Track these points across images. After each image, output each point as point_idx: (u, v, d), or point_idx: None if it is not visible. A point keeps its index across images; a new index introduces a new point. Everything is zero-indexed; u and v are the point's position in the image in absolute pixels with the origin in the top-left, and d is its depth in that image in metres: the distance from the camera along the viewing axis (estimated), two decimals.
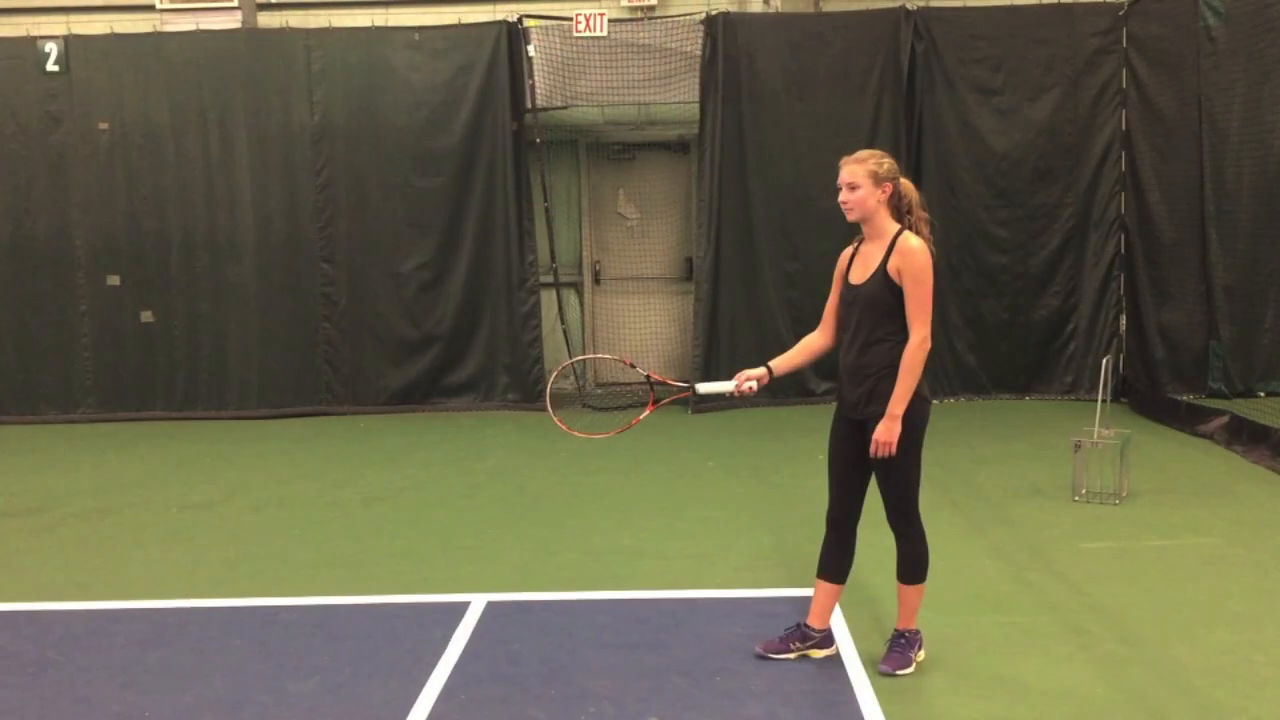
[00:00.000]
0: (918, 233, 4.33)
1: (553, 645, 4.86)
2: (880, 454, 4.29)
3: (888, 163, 4.34)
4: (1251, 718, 4.08)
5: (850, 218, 4.41)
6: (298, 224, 10.59)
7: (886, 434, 4.26)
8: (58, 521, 7.17)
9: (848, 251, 4.54)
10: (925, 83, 10.35)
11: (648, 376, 4.82)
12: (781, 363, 4.67)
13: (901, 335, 4.29)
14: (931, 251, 4.32)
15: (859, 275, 4.41)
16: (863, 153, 4.41)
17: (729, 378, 11.50)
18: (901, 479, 4.39)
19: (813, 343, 4.69)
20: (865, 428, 4.37)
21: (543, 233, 10.82)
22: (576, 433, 4.91)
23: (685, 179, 11.66)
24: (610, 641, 4.90)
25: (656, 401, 4.81)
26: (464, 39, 10.47)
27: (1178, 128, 9.82)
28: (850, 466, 4.47)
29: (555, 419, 4.83)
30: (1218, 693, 4.28)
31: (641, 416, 4.87)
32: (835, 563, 4.59)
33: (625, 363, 4.95)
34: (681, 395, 4.84)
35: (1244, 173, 9.41)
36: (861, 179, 4.31)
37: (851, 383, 4.43)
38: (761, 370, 4.59)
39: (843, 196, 4.37)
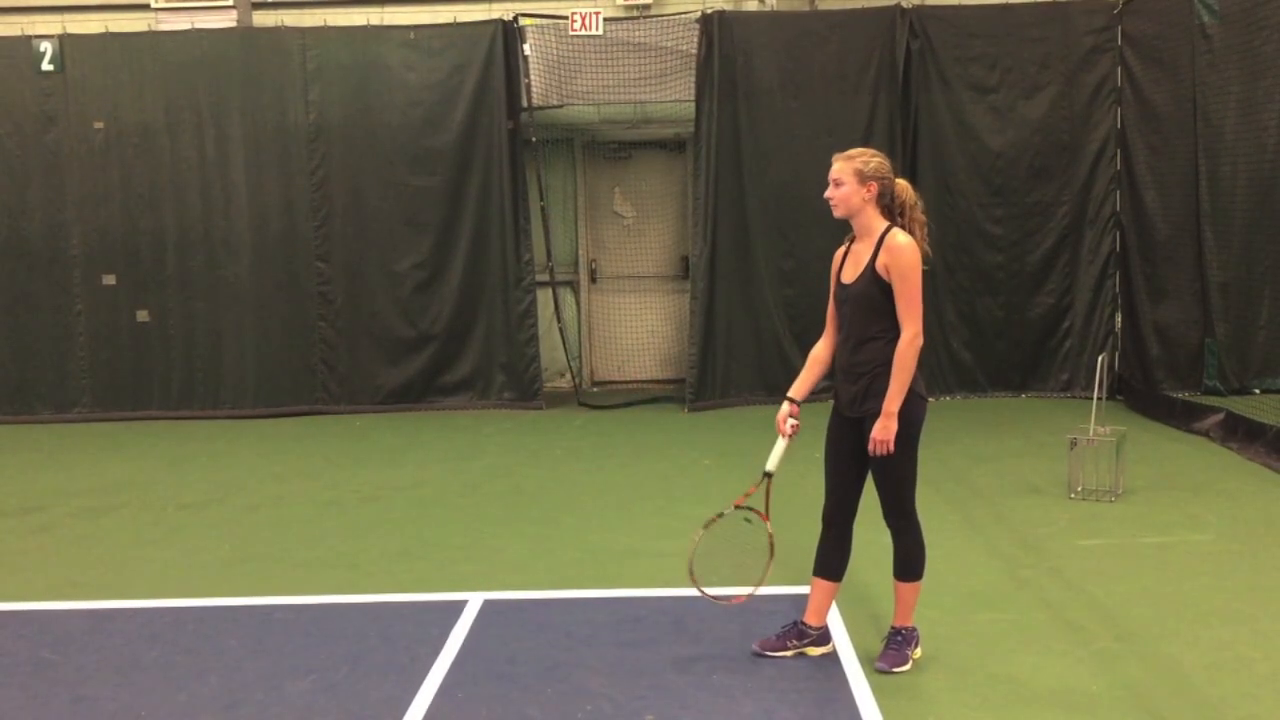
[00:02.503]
0: (910, 233, 4.33)
1: (550, 643, 4.87)
2: (879, 453, 4.30)
3: (875, 161, 4.34)
4: (1248, 713, 4.09)
5: (835, 214, 4.42)
6: (293, 223, 10.58)
7: (883, 433, 4.27)
8: (54, 521, 7.16)
9: (840, 251, 4.55)
10: (920, 81, 10.35)
11: (746, 508, 4.57)
12: (800, 388, 4.62)
13: (894, 332, 4.30)
14: (926, 252, 4.33)
15: (850, 274, 4.42)
16: (854, 150, 4.42)
17: (724, 374, 11.45)
18: (898, 477, 4.39)
19: (821, 353, 4.65)
20: (861, 425, 4.37)
21: (539, 231, 10.81)
22: (716, 599, 4.62)
23: (681, 177, 11.67)
24: (607, 639, 4.91)
25: (765, 512, 4.59)
26: (459, 38, 10.46)
27: (1173, 126, 9.83)
28: (846, 464, 4.48)
29: (705, 593, 4.54)
30: (1214, 689, 4.29)
31: (769, 531, 4.61)
32: (832, 560, 4.60)
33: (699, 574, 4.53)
34: (765, 484, 4.55)
35: (1239, 170, 9.44)
36: (846, 176, 4.33)
37: (846, 380, 4.44)
38: (788, 406, 4.56)
39: (828, 192, 4.39)
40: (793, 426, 4.55)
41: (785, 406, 4.57)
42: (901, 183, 4.41)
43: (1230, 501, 6.94)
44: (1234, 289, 9.69)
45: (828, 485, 4.58)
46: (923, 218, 4.42)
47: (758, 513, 4.60)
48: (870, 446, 4.31)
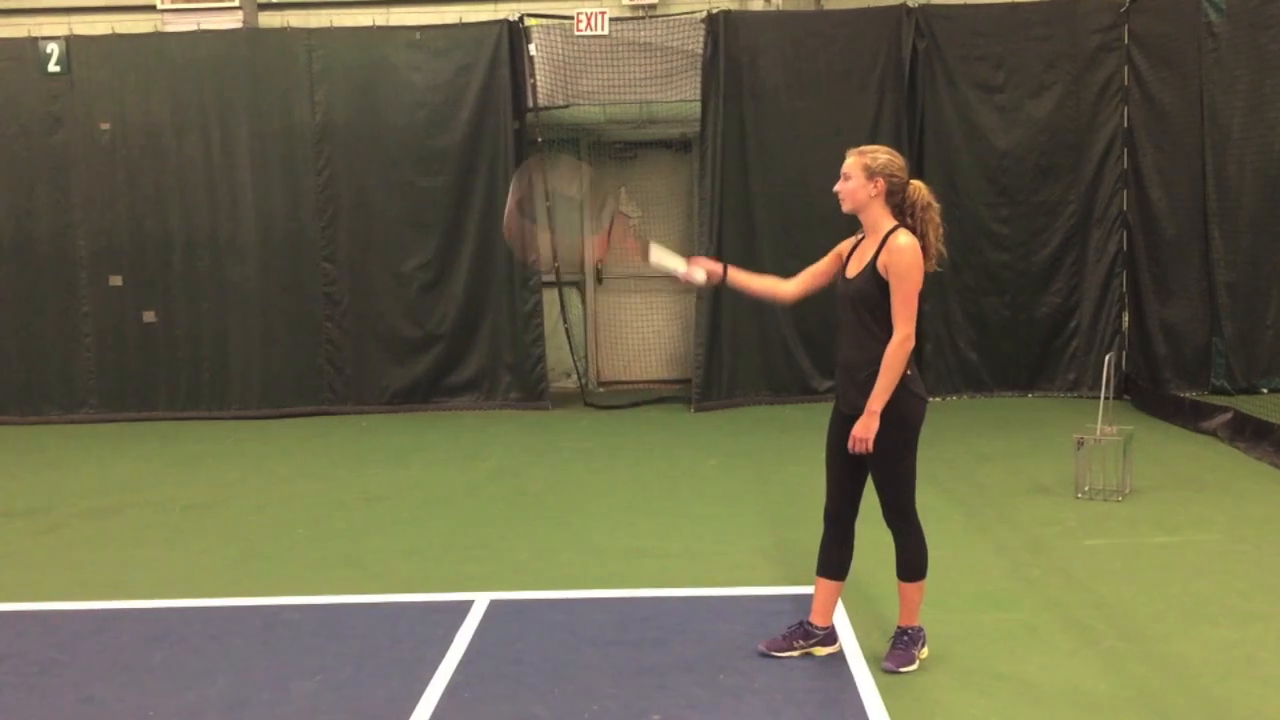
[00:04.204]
0: (921, 236, 4.31)
1: (556, 644, 4.87)
2: (857, 450, 4.29)
3: (885, 157, 4.33)
4: (1256, 713, 4.08)
5: (843, 208, 4.42)
6: (299, 224, 10.60)
7: (863, 430, 4.26)
8: (61, 521, 7.17)
9: (851, 241, 4.54)
10: (927, 80, 10.34)
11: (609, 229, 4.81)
12: (739, 275, 4.76)
13: (891, 332, 4.28)
14: (940, 253, 4.32)
15: (854, 269, 4.42)
16: (867, 146, 4.43)
17: (730, 374, 11.42)
18: (895, 477, 4.38)
19: (779, 285, 4.78)
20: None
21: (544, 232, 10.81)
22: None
23: (687, 177, 11.67)
24: (613, 640, 4.90)
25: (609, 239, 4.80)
26: (465, 38, 10.47)
27: (1180, 124, 9.81)
28: (846, 462, 4.46)
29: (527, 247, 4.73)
30: (1221, 689, 4.28)
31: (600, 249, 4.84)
32: (834, 560, 4.59)
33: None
34: (633, 247, 4.71)
35: (1246, 169, 9.43)
36: (855, 171, 4.34)
37: (845, 378, 4.44)
38: (718, 266, 4.70)
39: (837, 185, 4.40)
40: (695, 276, 4.62)
41: (716, 265, 4.69)
42: (916, 183, 4.39)
43: (1238, 501, 6.93)
44: (1241, 288, 9.68)
45: (828, 483, 4.57)
46: (937, 220, 4.39)
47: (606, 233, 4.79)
48: (849, 443, 4.30)
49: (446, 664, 4.66)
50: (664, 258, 4.64)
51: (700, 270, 4.63)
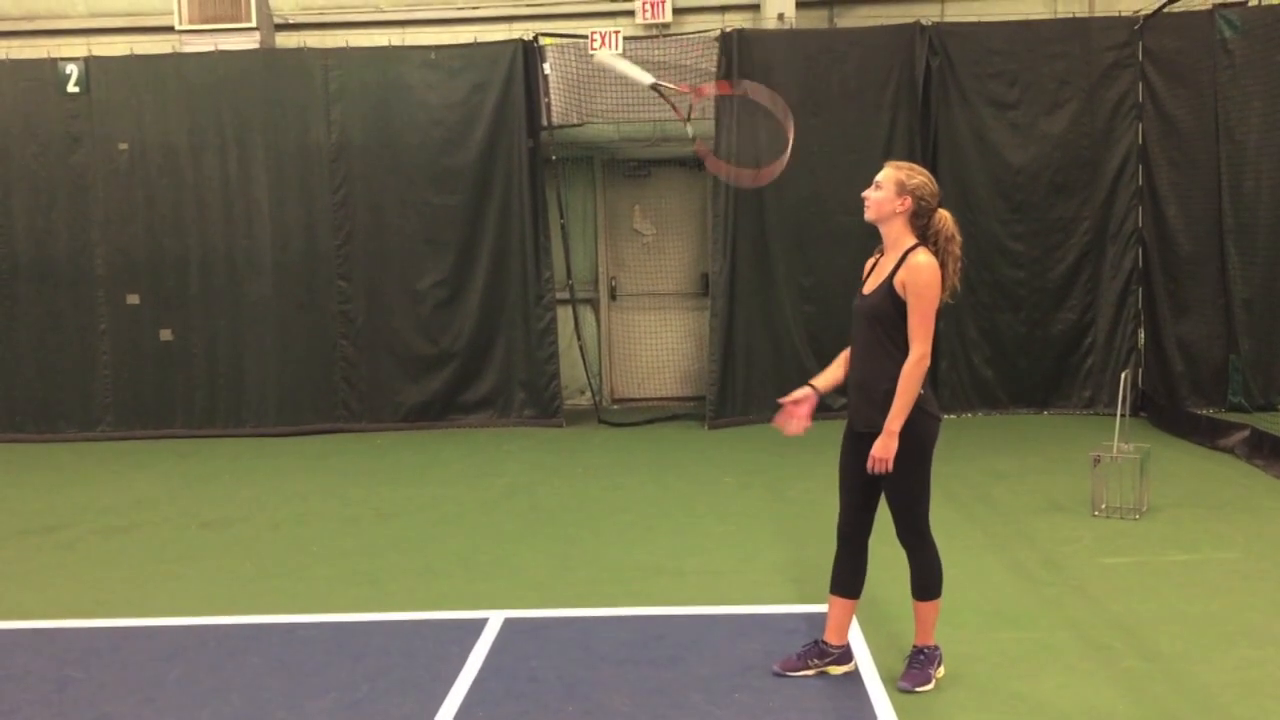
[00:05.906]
0: (941, 265, 4.31)
1: (570, 662, 4.86)
2: (876, 470, 4.28)
3: (920, 179, 4.34)
4: None
5: (866, 215, 4.43)
6: (315, 242, 10.65)
7: (883, 450, 4.25)
8: (77, 538, 7.20)
9: (870, 261, 4.55)
10: (940, 98, 10.34)
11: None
12: (824, 380, 4.63)
13: (906, 350, 4.28)
14: (954, 286, 4.32)
15: (870, 285, 4.42)
16: (907, 163, 4.46)
17: (744, 391, 11.48)
18: (908, 495, 4.37)
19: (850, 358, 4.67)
20: (871, 441, 4.35)
21: (559, 249, 10.84)
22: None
23: (700, 195, 11.68)
24: (628, 658, 4.89)
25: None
26: (480, 58, 10.53)
27: (1195, 141, 9.80)
28: (858, 480, 4.45)
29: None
30: (1240, 708, 4.24)
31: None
32: (847, 577, 4.58)
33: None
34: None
35: (1262, 185, 9.41)
36: (888, 182, 4.35)
37: (858, 395, 4.44)
38: (807, 391, 4.57)
39: (866, 191, 4.41)
40: (794, 412, 4.55)
41: (805, 391, 4.58)
42: (943, 213, 4.39)
43: (1256, 518, 6.88)
44: (1258, 304, 9.64)
45: (841, 500, 4.56)
46: (958, 253, 4.38)
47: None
48: (869, 464, 4.30)
49: (461, 682, 4.66)
50: (623, 65, 4.86)
51: (794, 418, 4.58)
